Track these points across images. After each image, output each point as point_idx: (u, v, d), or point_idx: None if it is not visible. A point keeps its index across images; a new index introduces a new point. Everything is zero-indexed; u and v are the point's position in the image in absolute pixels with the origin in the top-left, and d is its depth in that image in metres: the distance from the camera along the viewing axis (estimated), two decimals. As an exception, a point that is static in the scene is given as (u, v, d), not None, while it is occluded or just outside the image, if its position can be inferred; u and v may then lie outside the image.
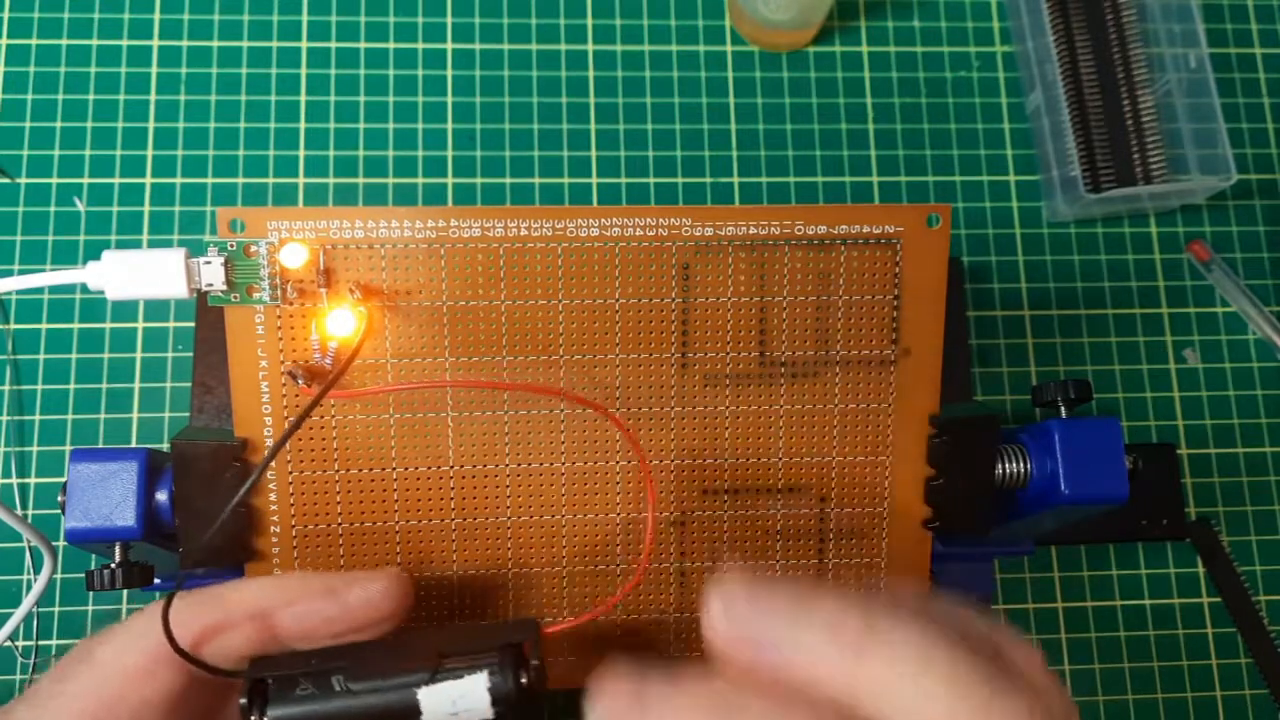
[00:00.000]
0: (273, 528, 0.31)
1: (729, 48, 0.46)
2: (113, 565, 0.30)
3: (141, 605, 0.31)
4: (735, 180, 0.45)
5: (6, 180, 0.43)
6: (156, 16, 0.45)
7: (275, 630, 0.27)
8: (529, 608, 0.33)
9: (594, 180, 0.45)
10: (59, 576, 0.40)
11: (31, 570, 0.40)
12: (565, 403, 0.31)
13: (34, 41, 0.44)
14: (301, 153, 0.44)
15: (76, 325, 0.42)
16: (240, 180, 0.44)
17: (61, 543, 0.38)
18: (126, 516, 0.30)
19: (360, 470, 0.31)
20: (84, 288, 0.27)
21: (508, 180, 0.44)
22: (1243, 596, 0.42)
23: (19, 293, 0.38)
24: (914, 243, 0.31)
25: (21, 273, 0.42)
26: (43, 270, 0.42)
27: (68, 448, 0.41)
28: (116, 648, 0.26)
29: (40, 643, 0.39)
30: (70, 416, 0.41)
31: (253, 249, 0.29)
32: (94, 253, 0.40)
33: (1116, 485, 0.32)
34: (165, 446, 0.34)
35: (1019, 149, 0.47)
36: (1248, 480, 0.44)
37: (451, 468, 0.31)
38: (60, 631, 0.39)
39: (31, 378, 0.41)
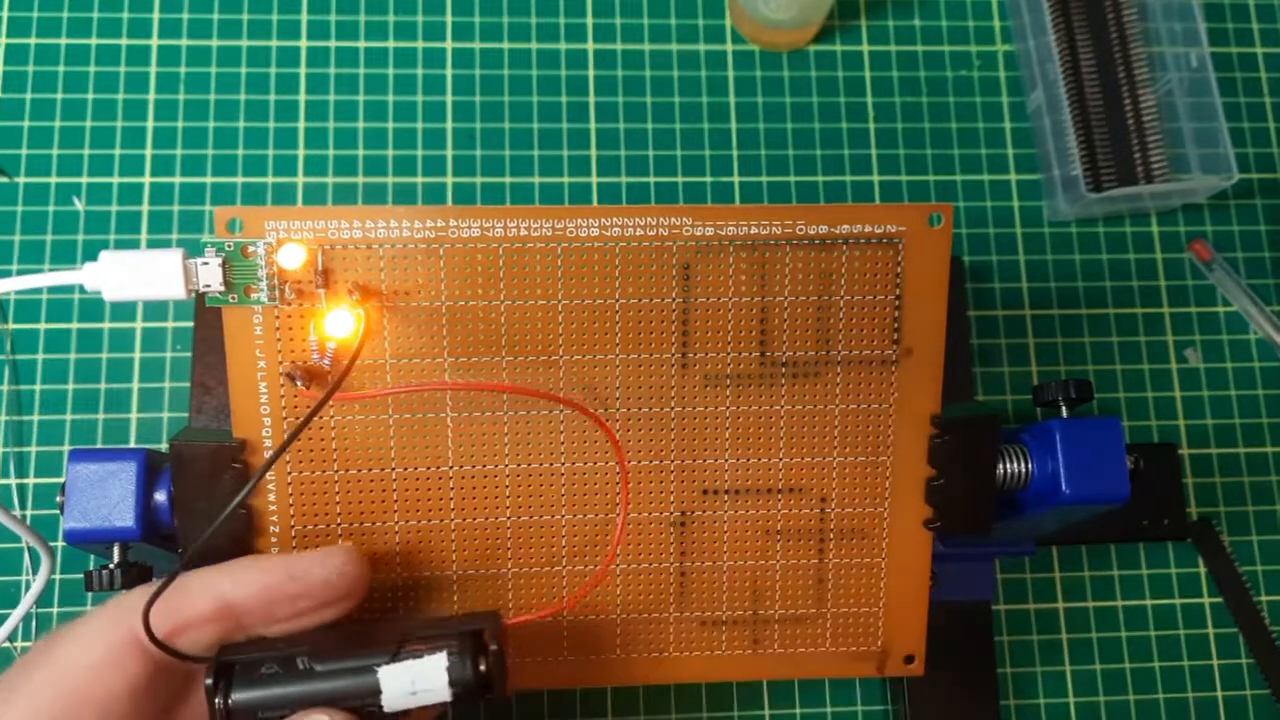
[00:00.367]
0: (272, 528, 0.31)
1: (729, 47, 0.46)
2: (111, 566, 0.30)
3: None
4: (735, 179, 0.45)
5: (5, 179, 0.43)
6: (155, 16, 0.45)
7: (239, 615, 0.27)
8: (528, 608, 0.33)
9: (594, 179, 0.45)
10: (58, 577, 0.40)
11: (30, 571, 0.40)
12: (570, 408, 0.31)
13: (33, 41, 0.44)
14: (301, 152, 0.44)
15: (75, 325, 0.42)
16: (239, 179, 0.43)
17: (60, 543, 0.38)
18: (125, 517, 0.30)
19: (360, 470, 0.31)
20: (82, 287, 0.27)
21: (507, 179, 0.44)
22: (1244, 596, 0.42)
23: (17, 293, 0.38)
24: (916, 242, 0.31)
25: (20, 272, 0.42)
26: (41, 270, 0.42)
27: (66, 448, 0.41)
28: (80, 643, 0.26)
29: (39, 643, 0.39)
30: (69, 416, 0.41)
31: (250, 249, 0.29)
32: (93, 252, 0.40)
33: (1117, 485, 0.32)
34: (164, 447, 0.34)
35: (1020, 148, 0.46)
36: (1249, 480, 0.44)
37: (451, 468, 0.31)
38: (59, 632, 0.39)
39: (30, 378, 0.41)
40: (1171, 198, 0.45)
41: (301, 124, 0.44)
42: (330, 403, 0.30)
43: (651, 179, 0.45)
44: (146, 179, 0.43)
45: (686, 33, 0.46)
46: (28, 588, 0.39)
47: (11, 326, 0.42)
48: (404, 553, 0.32)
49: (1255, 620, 0.42)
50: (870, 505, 0.33)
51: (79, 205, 0.43)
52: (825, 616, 0.34)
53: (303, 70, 0.45)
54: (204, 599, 0.27)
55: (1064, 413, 0.33)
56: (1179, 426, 0.44)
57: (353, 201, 0.44)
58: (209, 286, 0.28)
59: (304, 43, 0.45)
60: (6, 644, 0.39)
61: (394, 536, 0.31)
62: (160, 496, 0.30)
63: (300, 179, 0.44)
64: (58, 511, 0.30)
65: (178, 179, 0.43)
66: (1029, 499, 0.33)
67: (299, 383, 0.29)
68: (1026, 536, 0.38)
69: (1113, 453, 0.32)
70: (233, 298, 0.29)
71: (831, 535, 0.33)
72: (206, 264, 0.28)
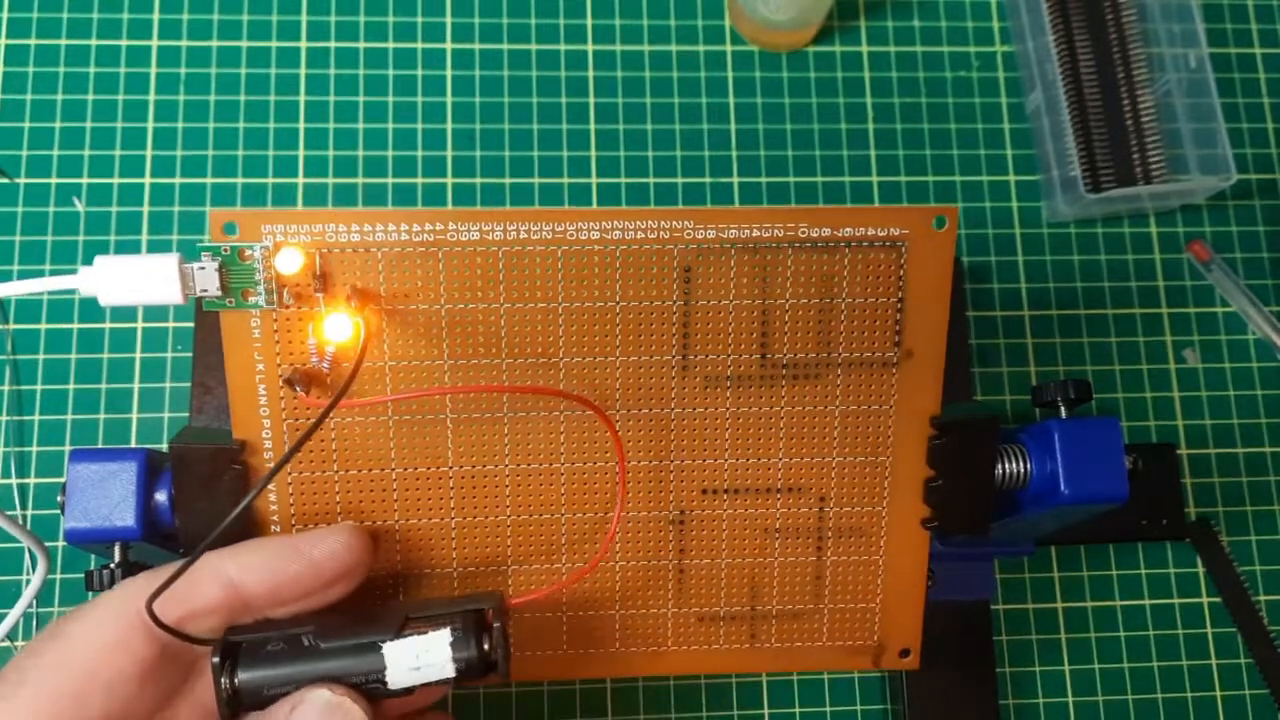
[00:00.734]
0: (273, 528, 0.31)
1: (729, 48, 0.46)
2: (112, 565, 0.30)
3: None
4: (735, 180, 0.45)
5: (5, 180, 0.43)
6: (155, 16, 0.45)
7: (245, 596, 0.27)
8: (528, 607, 0.33)
9: (593, 180, 0.45)
10: (58, 576, 0.40)
11: (31, 570, 0.40)
12: (565, 403, 0.31)
13: (33, 41, 0.44)
14: (301, 153, 0.44)
15: (75, 325, 0.42)
16: (239, 180, 0.43)
17: (60, 543, 0.38)
18: (126, 517, 0.30)
19: (360, 470, 0.31)
20: (83, 289, 0.27)
21: (507, 180, 0.44)
22: (1242, 597, 0.42)
23: (14, 296, 0.38)
24: (919, 245, 0.31)
25: (21, 273, 0.42)
26: (41, 272, 0.42)
27: (67, 448, 0.41)
28: (89, 623, 0.26)
29: (40, 643, 0.39)
30: (69, 417, 0.41)
31: (247, 253, 0.29)
32: (93, 253, 0.40)
33: (1116, 485, 0.32)
34: (164, 447, 0.34)
35: (1019, 149, 0.47)
36: (1247, 480, 0.44)
37: (451, 468, 0.31)
38: (60, 632, 0.39)
39: (31, 378, 0.41)
40: (1170, 198, 0.45)
41: (301, 125, 0.44)
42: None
43: (651, 180, 0.45)
44: (147, 180, 0.43)
45: (686, 34, 0.46)
46: (28, 586, 0.39)
47: (12, 327, 0.42)
48: (404, 552, 0.32)
49: (1254, 620, 0.42)
50: (869, 505, 0.33)
51: (79, 206, 0.43)
52: (822, 612, 0.34)
53: (303, 71, 0.45)
54: (210, 582, 0.27)
55: (1063, 413, 0.34)
56: (1178, 427, 0.44)
57: (353, 202, 0.44)
58: (206, 291, 0.28)
59: (304, 44, 0.45)
60: (6, 643, 0.39)
61: (394, 536, 0.32)
62: (161, 496, 0.30)
63: (300, 180, 0.44)
64: (58, 511, 0.30)
65: (178, 180, 0.43)
66: (1028, 499, 0.33)
67: (298, 388, 0.29)
68: (1025, 536, 0.38)
69: (1111, 453, 0.32)
70: (230, 302, 0.29)
71: (830, 534, 0.33)
72: (203, 268, 0.28)
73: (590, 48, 0.46)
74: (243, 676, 0.26)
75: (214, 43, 0.45)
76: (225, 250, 0.29)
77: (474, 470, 0.31)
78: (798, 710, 0.41)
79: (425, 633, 0.27)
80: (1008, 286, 0.45)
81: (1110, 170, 0.45)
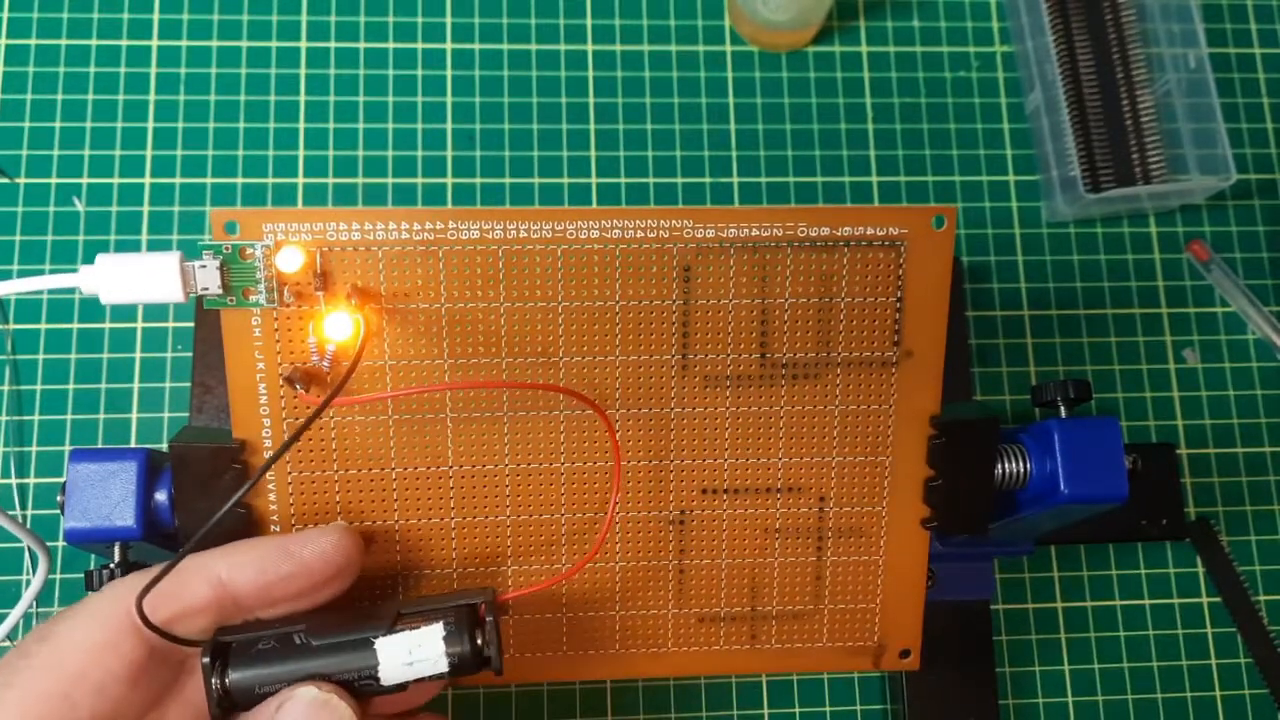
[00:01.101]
0: (273, 528, 0.31)
1: (728, 48, 0.46)
2: (112, 565, 0.30)
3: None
4: (735, 180, 0.45)
5: (5, 180, 0.43)
6: (155, 16, 0.45)
7: (236, 597, 0.27)
8: (527, 606, 0.33)
9: (593, 180, 0.45)
10: (58, 576, 0.40)
11: (31, 570, 0.40)
12: (564, 403, 0.31)
13: (33, 41, 0.44)
14: (301, 153, 0.44)
15: (75, 325, 0.42)
16: (239, 180, 0.44)
17: (60, 543, 0.38)
18: (126, 517, 0.30)
19: (360, 470, 0.31)
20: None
21: (507, 180, 0.44)
22: (1242, 596, 0.42)
23: (15, 295, 0.38)
24: (918, 244, 0.31)
25: (21, 273, 0.42)
26: (40, 271, 0.42)
27: (67, 448, 0.41)
28: (78, 624, 0.26)
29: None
30: (69, 416, 0.41)
31: (248, 252, 0.29)
32: (93, 253, 0.40)
33: (1116, 485, 0.32)
34: (164, 447, 0.34)
35: (1018, 149, 0.47)
36: (1247, 480, 0.44)
37: (451, 467, 0.31)
38: (59, 632, 0.39)
39: (30, 378, 0.41)
40: (1169, 198, 0.45)
41: (301, 125, 0.44)
42: (334, 405, 0.30)
43: (651, 180, 0.45)
44: (147, 180, 0.43)
45: (686, 34, 0.46)
46: (28, 587, 0.39)
47: (12, 327, 0.42)
48: (404, 551, 0.32)
49: (1253, 620, 0.42)
50: (869, 504, 0.33)
51: (79, 206, 0.43)
52: (822, 612, 0.34)
53: (303, 71, 0.45)
54: (200, 582, 0.27)
55: (1062, 413, 0.34)
56: (1177, 426, 0.44)
57: (353, 202, 0.44)
58: (207, 289, 0.28)
59: (304, 44, 0.45)
60: (6, 643, 0.39)
61: (394, 535, 0.32)
62: (161, 496, 0.30)
63: (300, 180, 0.44)
64: (58, 511, 0.30)
65: (178, 180, 0.43)
66: (1027, 499, 0.33)
67: (299, 387, 0.29)
68: (1025, 536, 0.38)
69: (1111, 453, 0.32)
70: (231, 300, 0.29)
71: (830, 534, 0.33)
72: (204, 267, 0.28)
73: (590, 48, 0.46)
74: (234, 676, 0.26)
75: (214, 43, 0.45)
76: (226, 249, 0.29)
77: (474, 470, 0.31)
78: (798, 710, 0.41)
79: (418, 627, 0.27)
80: (1007, 286, 0.45)
81: (1110, 170, 0.45)
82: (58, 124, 0.43)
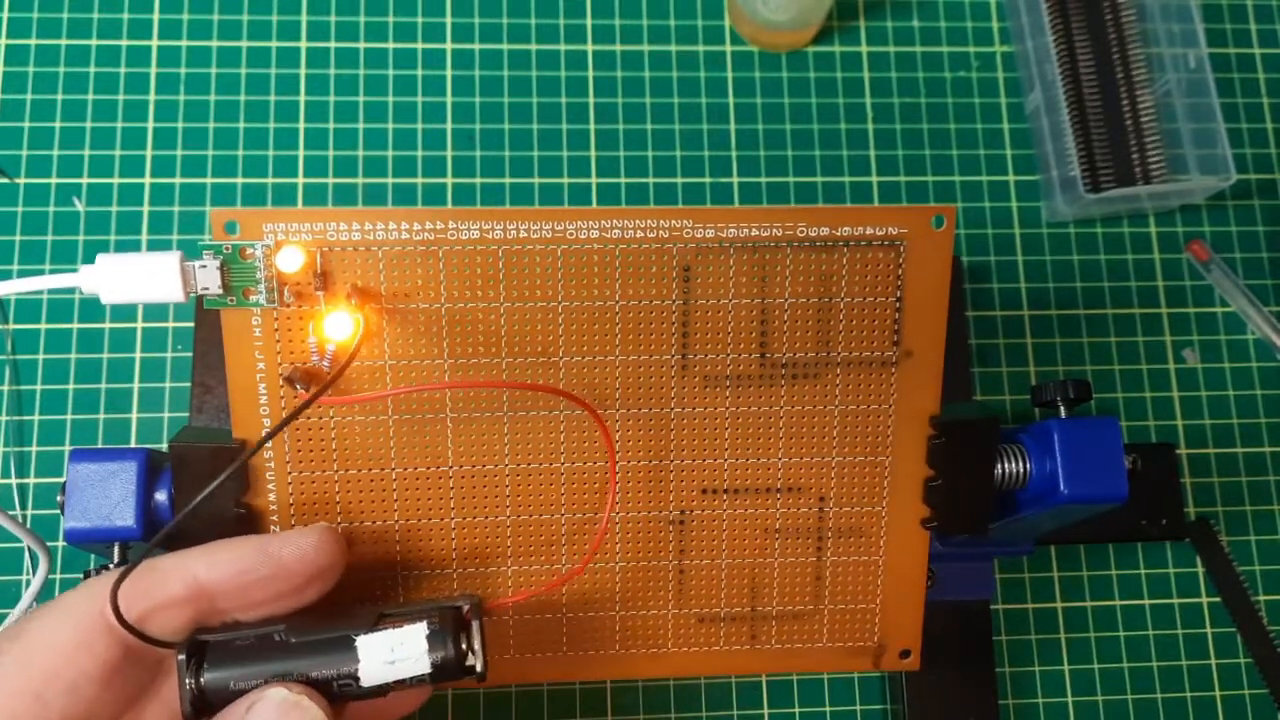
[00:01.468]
0: (273, 528, 0.31)
1: (728, 48, 0.46)
2: (111, 565, 0.30)
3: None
4: (734, 180, 0.45)
5: (5, 180, 0.43)
6: (155, 16, 0.45)
7: (213, 597, 0.27)
8: (527, 607, 0.33)
9: (593, 180, 0.45)
10: (58, 576, 0.40)
11: (31, 570, 0.40)
12: (564, 403, 0.31)
13: (33, 41, 0.44)
14: (301, 153, 0.44)
15: (75, 325, 0.42)
16: (239, 180, 0.44)
17: (60, 543, 0.38)
18: (126, 517, 0.30)
19: (360, 470, 0.31)
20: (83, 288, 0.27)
21: (507, 180, 0.44)
22: (1242, 596, 0.42)
23: (16, 295, 0.38)
24: (918, 244, 0.31)
25: (21, 273, 0.42)
26: (41, 271, 0.42)
27: (67, 448, 0.41)
28: (51, 623, 0.26)
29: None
30: (69, 416, 0.41)
31: (248, 252, 0.29)
32: (93, 253, 0.40)
33: (1116, 485, 0.32)
34: (164, 447, 0.34)
35: (1018, 149, 0.47)
36: (1247, 480, 0.44)
37: (450, 468, 0.31)
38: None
39: (30, 378, 0.41)
40: (1169, 198, 0.45)
41: (301, 125, 0.44)
42: (329, 404, 0.30)
43: (651, 180, 0.45)
44: (147, 180, 0.43)
45: (685, 34, 0.46)
46: (28, 587, 0.39)
47: (12, 326, 0.42)
48: (403, 551, 0.32)
49: (1253, 620, 0.42)
50: (869, 504, 0.33)
51: (79, 206, 0.43)
52: (822, 613, 0.34)
53: (303, 71, 0.45)
54: (176, 581, 0.27)
55: (1062, 413, 0.34)
56: (1177, 426, 0.44)
57: (353, 202, 0.44)
58: (207, 289, 0.28)
59: (304, 44, 0.45)
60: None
61: (394, 535, 0.32)
62: (161, 496, 0.30)
63: (300, 180, 0.44)
64: (58, 511, 0.30)
65: (178, 180, 0.43)
66: (1027, 499, 0.33)
67: (299, 386, 0.29)
68: (1025, 536, 0.38)
69: (1111, 453, 0.32)
70: (231, 300, 0.29)
71: (830, 534, 0.33)
72: (204, 266, 0.28)
73: (590, 48, 0.46)
74: (208, 675, 0.26)
75: (214, 43, 0.45)
76: (227, 249, 0.29)
77: (474, 470, 0.31)
78: (797, 710, 0.41)
79: (401, 626, 0.26)
80: (1007, 286, 0.45)
81: (1110, 170, 0.45)
82: (58, 124, 0.43)
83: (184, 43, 0.45)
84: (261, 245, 0.29)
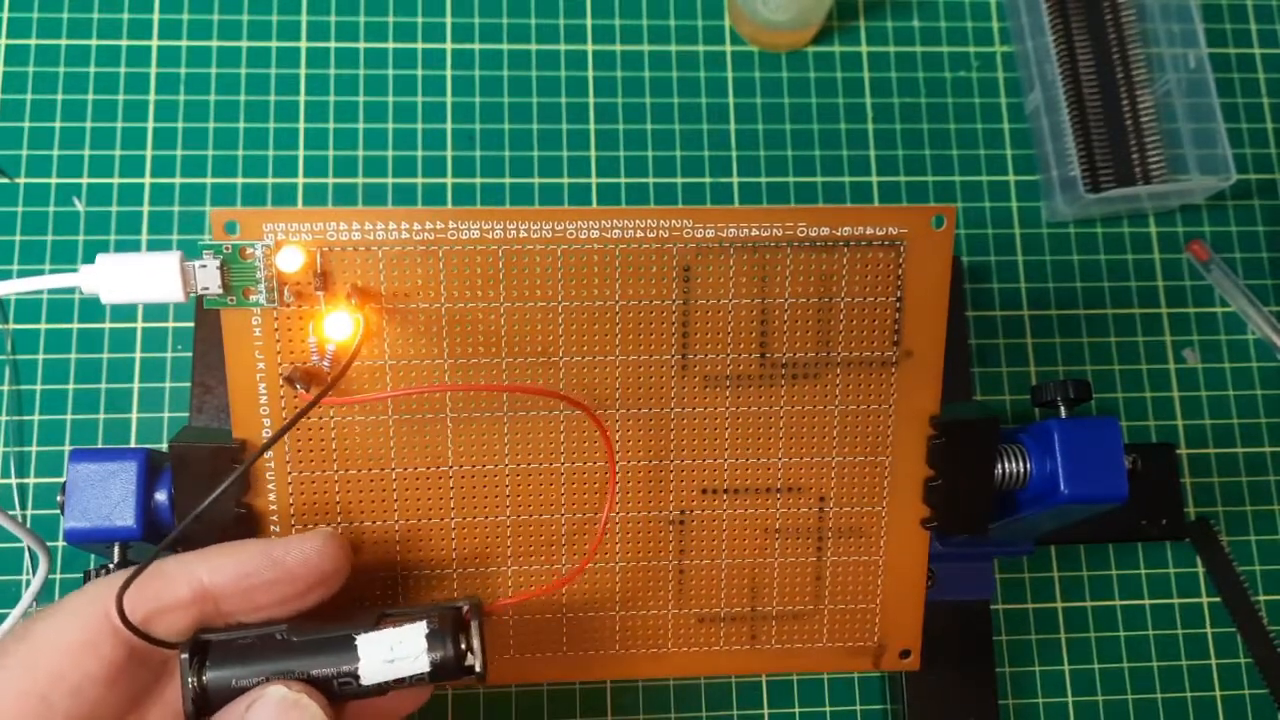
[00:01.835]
0: (272, 528, 0.31)
1: (728, 48, 0.46)
2: (111, 565, 0.30)
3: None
4: (734, 180, 0.45)
5: (5, 180, 0.43)
6: (155, 16, 0.45)
7: (216, 599, 0.27)
8: (527, 607, 0.33)
9: (593, 180, 0.45)
10: (58, 576, 0.40)
11: (31, 570, 0.40)
12: (564, 403, 0.31)
13: (33, 41, 0.44)
14: (301, 153, 0.44)
15: (75, 325, 0.42)
16: (239, 180, 0.44)
17: (60, 543, 0.38)
18: (126, 517, 0.30)
19: (360, 470, 0.31)
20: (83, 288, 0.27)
21: (507, 180, 0.44)
22: (1242, 596, 0.42)
23: (16, 295, 0.38)
24: (918, 244, 0.31)
25: (20, 273, 0.42)
26: (40, 271, 0.42)
27: (67, 448, 0.41)
28: (56, 624, 0.26)
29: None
30: (69, 416, 0.41)
31: (248, 251, 0.29)
32: (93, 253, 0.40)
33: (1116, 485, 0.32)
34: (164, 447, 0.34)
35: (1018, 149, 0.47)
36: (1247, 480, 0.44)
37: (450, 468, 0.31)
38: (59, 632, 0.39)
39: (30, 378, 0.41)
40: (1169, 198, 0.45)
41: (301, 125, 0.44)
42: (330, 404, 0.30)
43: (650, 180, 0.45)
44: (147, 180, 0.43)
45: (685, 34, 0.46)
46: (28, 586, 0.39)
47: (12, 326, 0.42)
48: (404, 552, 0.32)
49: (1253, 620, 0.42)
50: (869, 504, 0.33)
51: (79, 206, 0.43)
52: (822, 613, 0.34)
53: (303, 71, 0.45)
54: (181, 584, 0.27)
55: (1062, 413, 0.34)
56: (1177, 426, 0.44)
57: (353, 202, 0.44)
58: (207, 289, 0.28)
59: (304, 44, 0.45)
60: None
61: (394, 536, 0.32)
62: (161, 496, 0.31)
63: (300, 180, 0.44)
64: (58, 511, 0.30)
65: (178, 180, 0.43)
66: (1027, 499, 0.33)
67: (299, 386, 0.29)
68: (1025, 536, 0.38)
69: (1111, 453, 0.32)
70: (231, 300, 0.29)
71: (830, 534, 0.33)
72: (204, 266, 0.28)
73: (590, 48, 0.46)
74: (211, 675, 0.26)
75: (214, 43, 0.45)
76: (227, 248, 0.29)
77: (474, 470, 0.31)
78: (797, 710, 0.41)
79: (401, 625, 0.26)
80: (1007, 286, 0.45)
81: (1110, 170, 0.45)
82: (58, 124, 0.43)
83: (184, 43, 0.45)
84: (261, 245, 0.29)
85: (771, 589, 0.33)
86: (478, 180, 0.44)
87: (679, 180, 0.45)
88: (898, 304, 0.32)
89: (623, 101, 0.46)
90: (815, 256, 0.31)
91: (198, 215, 0.43)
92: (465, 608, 0.27)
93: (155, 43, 0.44)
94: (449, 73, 0.45)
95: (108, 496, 0.30)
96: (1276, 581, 0.43)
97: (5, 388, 0.41)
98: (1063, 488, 0.32)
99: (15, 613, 0.32)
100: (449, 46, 0.46)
